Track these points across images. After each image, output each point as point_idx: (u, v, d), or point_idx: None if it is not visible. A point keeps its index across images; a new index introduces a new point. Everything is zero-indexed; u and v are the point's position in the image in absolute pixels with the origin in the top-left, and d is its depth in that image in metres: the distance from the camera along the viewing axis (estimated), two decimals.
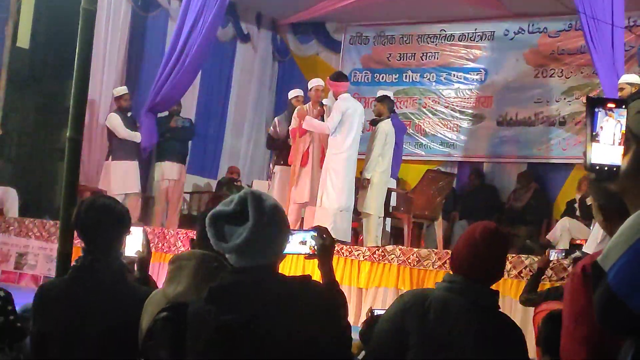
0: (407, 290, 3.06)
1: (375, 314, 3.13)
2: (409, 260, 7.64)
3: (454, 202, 10.70)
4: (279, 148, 9.54)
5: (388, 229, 9.35)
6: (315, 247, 2.73)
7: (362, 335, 3.17)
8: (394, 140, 8.75)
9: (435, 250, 7.92)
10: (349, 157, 8.42)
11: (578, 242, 8.28)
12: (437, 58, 11.75)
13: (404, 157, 9.92)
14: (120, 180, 9.68)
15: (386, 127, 8.69)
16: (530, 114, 10.97)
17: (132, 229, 3.20)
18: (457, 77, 11.59)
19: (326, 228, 2.79)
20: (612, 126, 1.63)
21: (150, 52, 11.12)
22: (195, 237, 2.87)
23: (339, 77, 8.77)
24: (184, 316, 2.32)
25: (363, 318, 3.64)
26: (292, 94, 9.53)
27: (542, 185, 10.66)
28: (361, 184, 8.56)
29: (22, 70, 11.55)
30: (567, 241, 8.63)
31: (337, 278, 4.13)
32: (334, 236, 2.88)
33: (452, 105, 11.55)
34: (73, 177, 3.90)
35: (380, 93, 9.38)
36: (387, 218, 9.08)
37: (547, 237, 9.22)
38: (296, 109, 9.02)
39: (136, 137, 9.80)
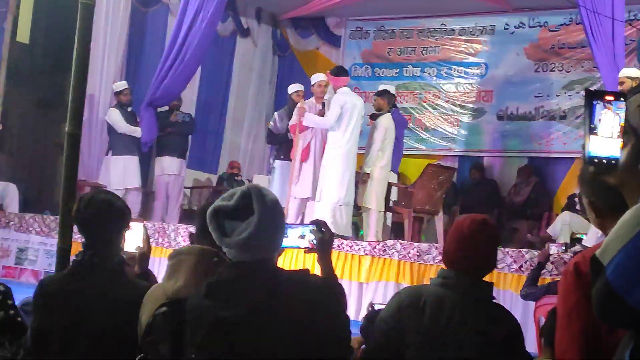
0: (403, 288, 3.05)
1: (375, 308, 3.13)
2: (410, 255, 7.65)
3: (454, 196, 10.70)
4: (279, 143, 9.53)
5: (389, 223, 9.35)
6: (314, 241, 2.73)
7: (363, 330, 3.18)
8: (394, 134, 8.74)
9: (435, 244, 7.93)
10: (348, 151, 8.41)
11: (578, 236, 8.30)
12: (438, 52, 11.74)
13: (404, 152, 9.92)
14: (120, 175, 9.68)
15: (386, 121, 8.68)
16: (530, 108, 10.97)
17: (132, 224, 3.19)
18: (457, 71, 11.58)
19: (325, 222, 2.78)
20: (610, 119, 1.63)
21: (150, 47, 11.10)
22: (194, 232, 2.87)
23: (339, 72, 8.76)
24: (182, 312, 2.32)
25: (364, 312, 3.65)
26: (292, 88, 9.51)
27: (542, 179, 10.67)
28: (361, 179, 8.56)
29: (22, 65, 11.53)
30: (568, 235, 8.64)
31: (338, 273, 4.14)
32: (333, 230, 2.88)
33: (453, 99, 11.55)
34: (72, 172, 3.89)
35: (382, 87, 9.36)
36: (387, 212, 9.08)
37: (547, 231, 9.22)
38: (298, 105, 9.00)
39: (136, 132, 9.79)
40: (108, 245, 3.00)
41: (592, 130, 1.63)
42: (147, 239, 3.34)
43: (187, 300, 2.34)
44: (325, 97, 8.94)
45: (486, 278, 2.84)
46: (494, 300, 2.84)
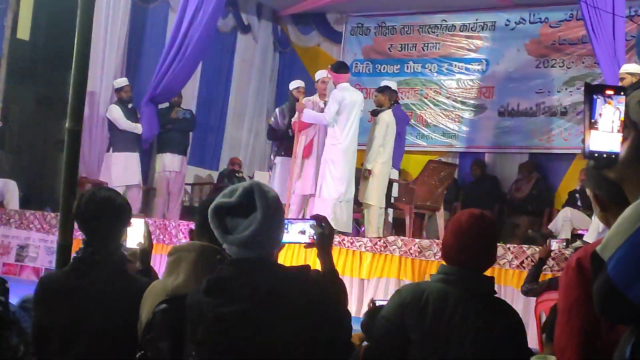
0: (403, 285, 3.05)
1: (377, 304, 3.12)
2: (411, 251, 7.64)
3: (455, 192, 10.70)
4: (280, 139, 9.52)
5: (390, 219, 9.34)
6: (315, 236, 2.73)
7: (364, 326, 3.17)
8: (395, 130, 8.73)
9: (437, 240, 7.91)
10: (347, 147, 8.40)
11: (579, 232, 8.30)
12: (439, 48, 11.73)
13: (405, 148, 9.91)
14: (121, 172, 9.68)
15: (387, 117, 8.67)
16: (531, 104, 10.96)
17: (134, 220, 3.19)
18: (458, 67, 11.56)
19: (325, 217, 2.78)
20: (610, 113, 1.62)
21: (150, 43, 11.09)
22: (194, 228, 2.87)
23: (339, 68, 8.74)
24: (182, 308, 2.32)
25: (365, 309, 3.64)
26: (293, 85, 9.49)
27: (543, 175, 10.66)
28: (362, 175, 8.55)
29: (23, 62, 11.54)
30: (569, 231, 8.64)
31: (339, 269, 4.13)
32: (333, 226, 2.88)
33: (454, 95, 11.54)
34: (73, 169, 3.88)
35: (383, 83, 9.34)
36: (388, 209, 9.07)
37: (548, 227, 9.22)
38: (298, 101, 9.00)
39: (137, 128, 9.79)
40: (109, 242, 3.00)
41: (592, 125, 1.63)
42: (148, 235, 3.34)
43: (187, 297, 2.33)
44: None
45: (487, 273, 2.84)
46: (496, 296, 2.84)
